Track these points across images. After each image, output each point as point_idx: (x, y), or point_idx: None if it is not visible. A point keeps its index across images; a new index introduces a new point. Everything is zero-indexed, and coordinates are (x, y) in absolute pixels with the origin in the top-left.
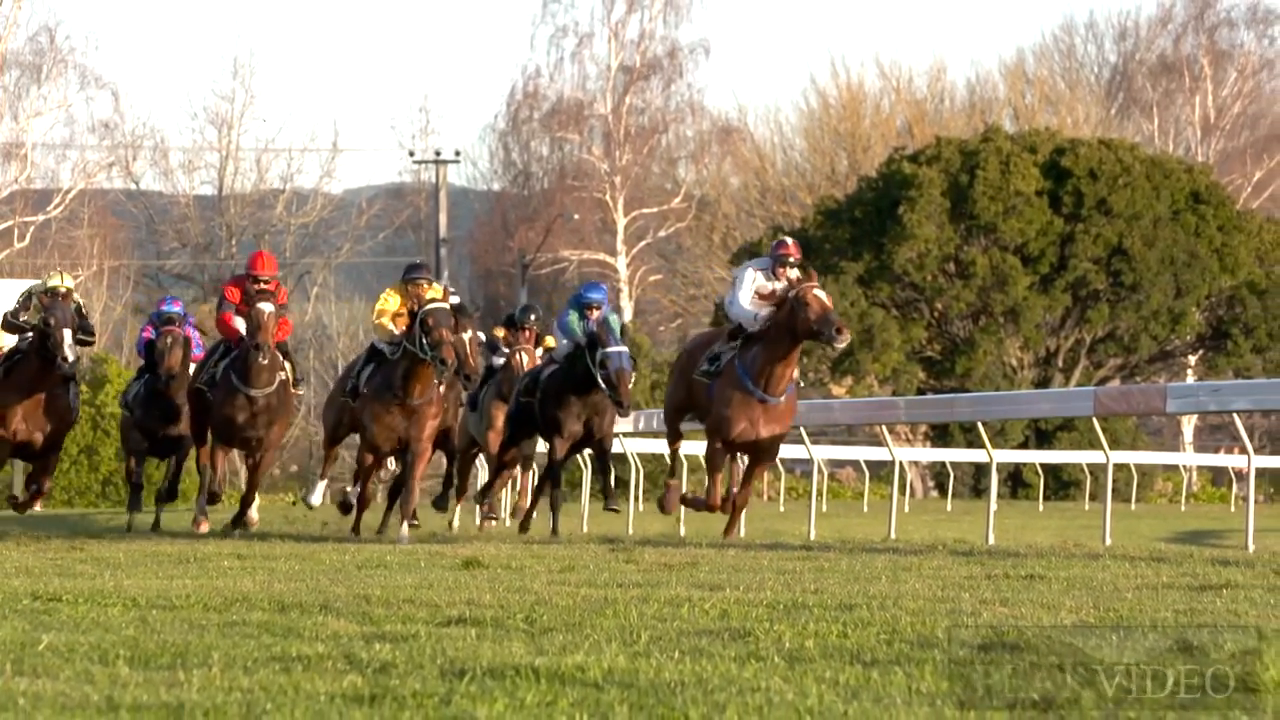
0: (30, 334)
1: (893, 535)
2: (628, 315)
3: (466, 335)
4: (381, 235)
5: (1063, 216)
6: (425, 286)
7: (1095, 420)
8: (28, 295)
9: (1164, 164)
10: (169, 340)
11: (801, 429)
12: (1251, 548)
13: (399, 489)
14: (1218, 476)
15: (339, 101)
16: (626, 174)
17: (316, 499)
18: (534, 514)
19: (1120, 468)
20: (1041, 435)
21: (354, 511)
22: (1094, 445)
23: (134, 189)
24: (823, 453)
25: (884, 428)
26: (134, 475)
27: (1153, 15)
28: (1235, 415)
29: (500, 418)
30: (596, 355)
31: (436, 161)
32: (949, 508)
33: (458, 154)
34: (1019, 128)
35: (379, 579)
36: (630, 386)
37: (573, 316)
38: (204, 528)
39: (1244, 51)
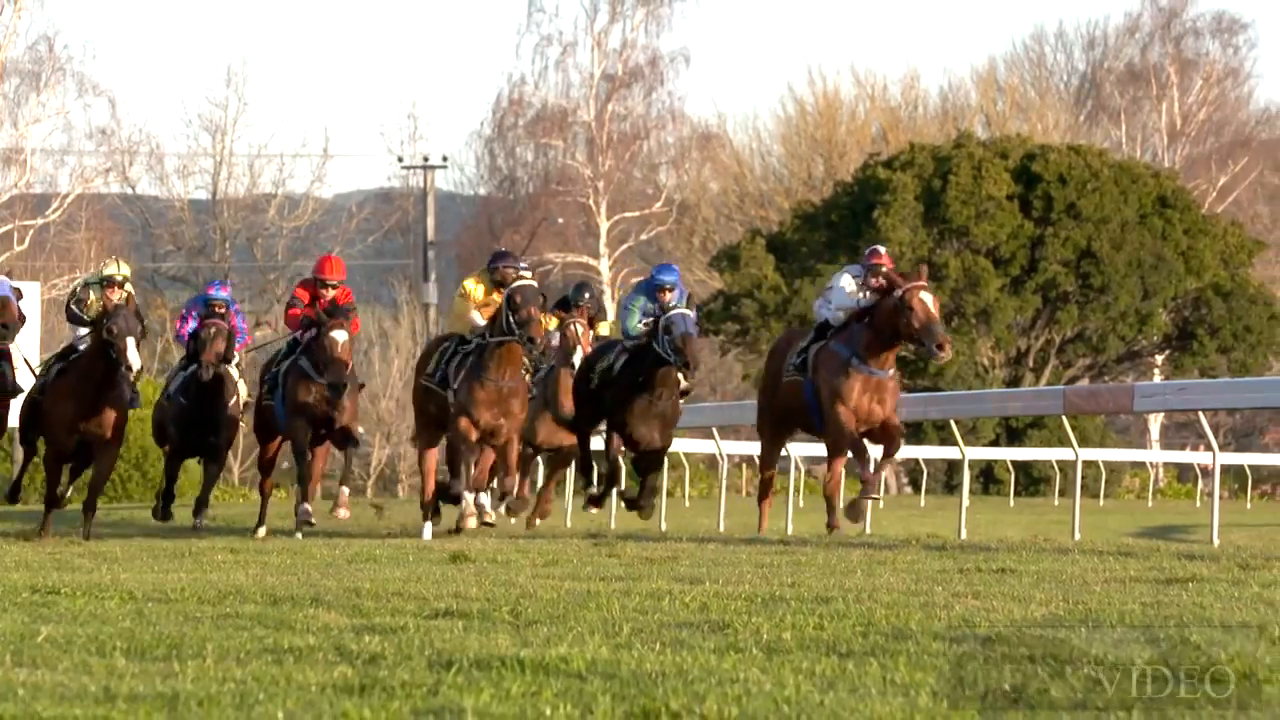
0: (89, 331)
1: (868, 530)
2: (610, 316)
3: (551, 323)
4: (371, 238)
5: (1033, 220)
6: (512, 275)
7: (1065, 418)
8: (84, 285)
9: (1131, 169)
10: (212, 330)
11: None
12: (1216, 542)
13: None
14: (1183, 473)
15: (330, 108)
16: (609, 179)
17: (428, 533)
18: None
19: (1089, 464)
20: (1012, 433)
21: (463, 502)
22: (1063, 443)
23: (130, 194)
24: (800, 450)
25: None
26: (168, 476)
27: (1120, 25)
28: (1200, 414)
29: (569, 392)
30: (660, 320)
31: (424, 167)
32: (922, 503)
33: (445, 159)
34: (990, 134)
35: (369, 573)
36: (697, 351)
37: (638, 302)
38: (344, 512)
39: (1209, 60)
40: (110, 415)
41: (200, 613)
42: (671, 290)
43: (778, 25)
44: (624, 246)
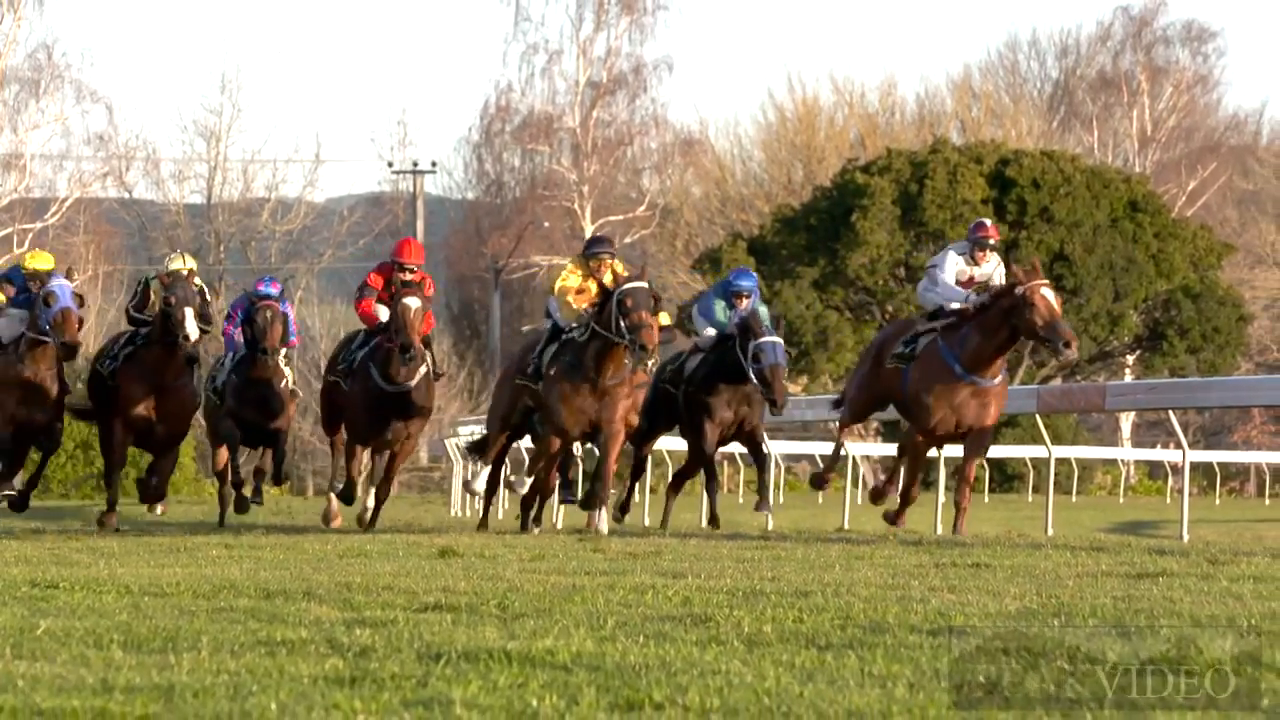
0: (152, 322)
1: (846, 526)
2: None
3: (661, 319)
4: (361, 242)
5: (1007, 224)
6: (609, 262)
7: (1038, 417)
8: (144, 283)
9: (1103, 174)
10: (269, 314)
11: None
12: (1186, 538)
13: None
14: (1154, 470)
15: (321, 115)
16: (594, 184)
17: (481, 484)
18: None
19: (1062, 462)
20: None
21: (530, 502)
22: (1037, 440)
23: (127, 198)
24: (780, 448)
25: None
26: (232, 473)
27: (1093, 33)
28: (1170, 412)
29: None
30: (749, 347)
31: (414, 172)
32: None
33: (434, 165)
34: (966, 140)
35: (359, 567)
36: (784, 382)
37: (718, 304)
38: (337, 522)
39: (1179, 68)
40: (176, 405)
41: (195, 606)
42: (748, 296)
43: (758, 34)
44: None
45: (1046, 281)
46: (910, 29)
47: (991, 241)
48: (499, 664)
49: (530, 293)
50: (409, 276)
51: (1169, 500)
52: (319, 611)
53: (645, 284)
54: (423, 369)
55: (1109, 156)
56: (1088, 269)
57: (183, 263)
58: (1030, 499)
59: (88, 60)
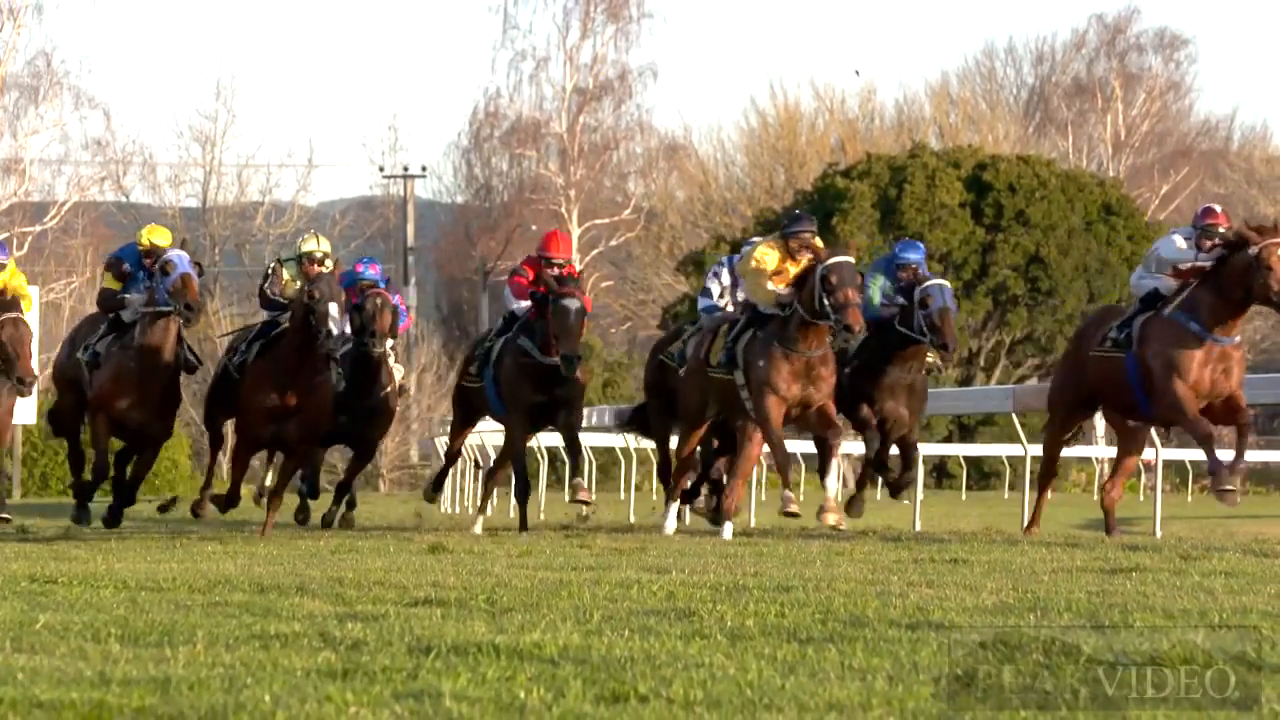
0: (288, 309)
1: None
2: None
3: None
4: (353, 245)
5: (984, 227)
6: (811, 241)
7: (1015, 416)
8: (279, 263)
9: (1078, 178)
10: (379, 301)
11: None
12: (1159, 534)
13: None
14: None
15: (314, 121)
16: (580, 188)
17: (671, 525)
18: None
19: (1038, 459)
20: (965, 429)
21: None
22: (1013, 439)
23: (124, 201)
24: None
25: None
26: (306, 474)
27: (1068, 41)
28: None
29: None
30: (914, 293)
31: (404, 176)
32: (879, 497)
33: (424, 169)
34: (944, 145)
35: (351, 563)
36: (954, 327)
37: (877, 284)
38: (480, 526)
39: (1152, 74)
40: (314, 403)
41: (191, 601)
42: (915, 270)
43: (741, 41)
44: (595, 252)
45: None
46: (889, 36)
47: (1221, 229)
48: (488, 657)
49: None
50: (556, 272)
51: (1142, 498)
52: (312, 606)
53: (850, 259)
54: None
55: (1084, 161)
56: (1063, 271)
57: (316, 244)
58: (1006, 496)
59: (86, 67)
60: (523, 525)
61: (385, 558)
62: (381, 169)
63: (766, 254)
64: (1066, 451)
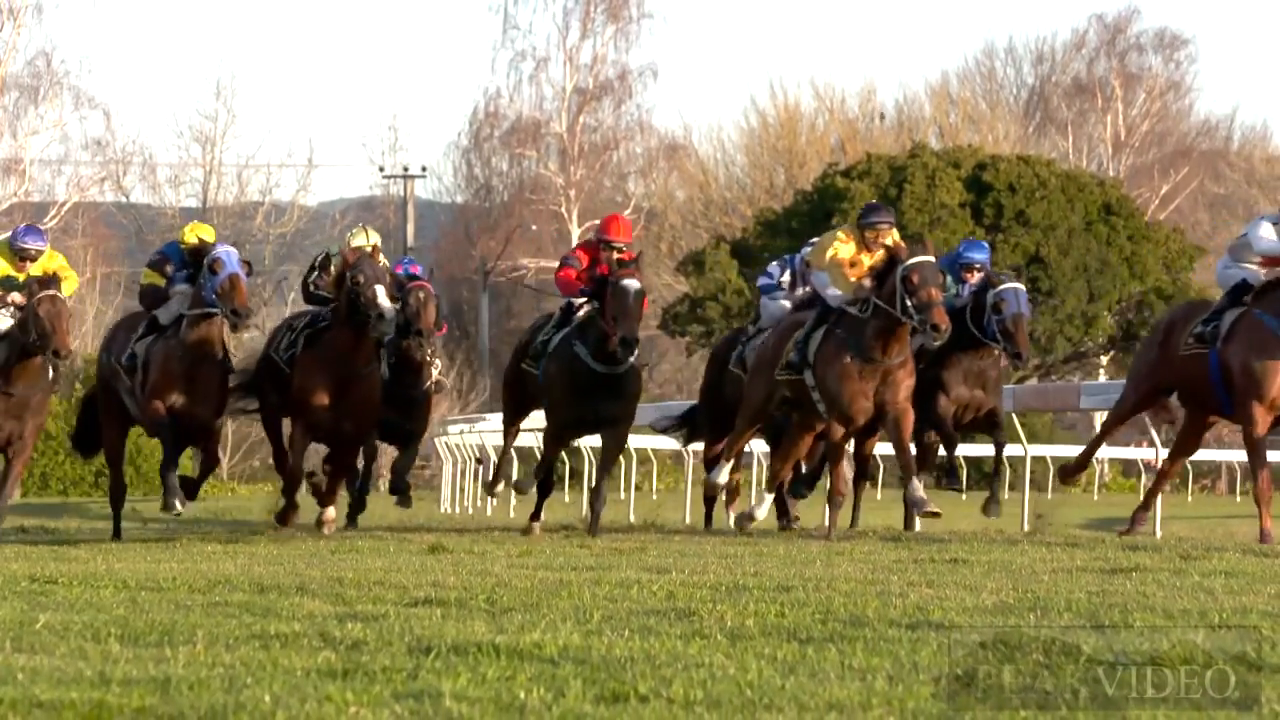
0: (333, 303)
1: (826, 522)
2: None
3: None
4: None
5: (984, 227)
6: (887, 231)
7: (1014, 416)
8: (324, 257)
9: (1078, 178)
10: (422, 295)
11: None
12: (1159, 534)
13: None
14: (1128, 468)
15: (314, 121)
16: (580, 188)
17: (723, 476)
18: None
19: (1037, 460)
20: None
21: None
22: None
23: (124, 202)
24: (761, 446)
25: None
26: (361, 472)
27: (1067, 41)
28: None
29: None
30: (987, 297)
31: (404, 176)
32: (879, 497)
33: (424, 169)
34: (944, 145)
35: (351, 562)
36: (1027, 334)
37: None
38: (538, 531)
39: (1152, 74)
40: (364, 395)
41: (191, 601)
42: (979, 270)
43: (741, 41)
44: None
45: None
46: (889, 36)
47: None
48: (487, 657)
49: (518, 295)
50: (616, 256)
51: (1142, 497)
52: (312, 606)
53: (931, 258)
54: (632, 357)
55: (1084, 161)
56: (1063, 271)
57: (366, 238)
58: (1006, 495)
59: (86, 67)
60: (535, 515)
61: (385, 558)
62: (381, 169)
63: (841, 245)
64: (1067, 451)
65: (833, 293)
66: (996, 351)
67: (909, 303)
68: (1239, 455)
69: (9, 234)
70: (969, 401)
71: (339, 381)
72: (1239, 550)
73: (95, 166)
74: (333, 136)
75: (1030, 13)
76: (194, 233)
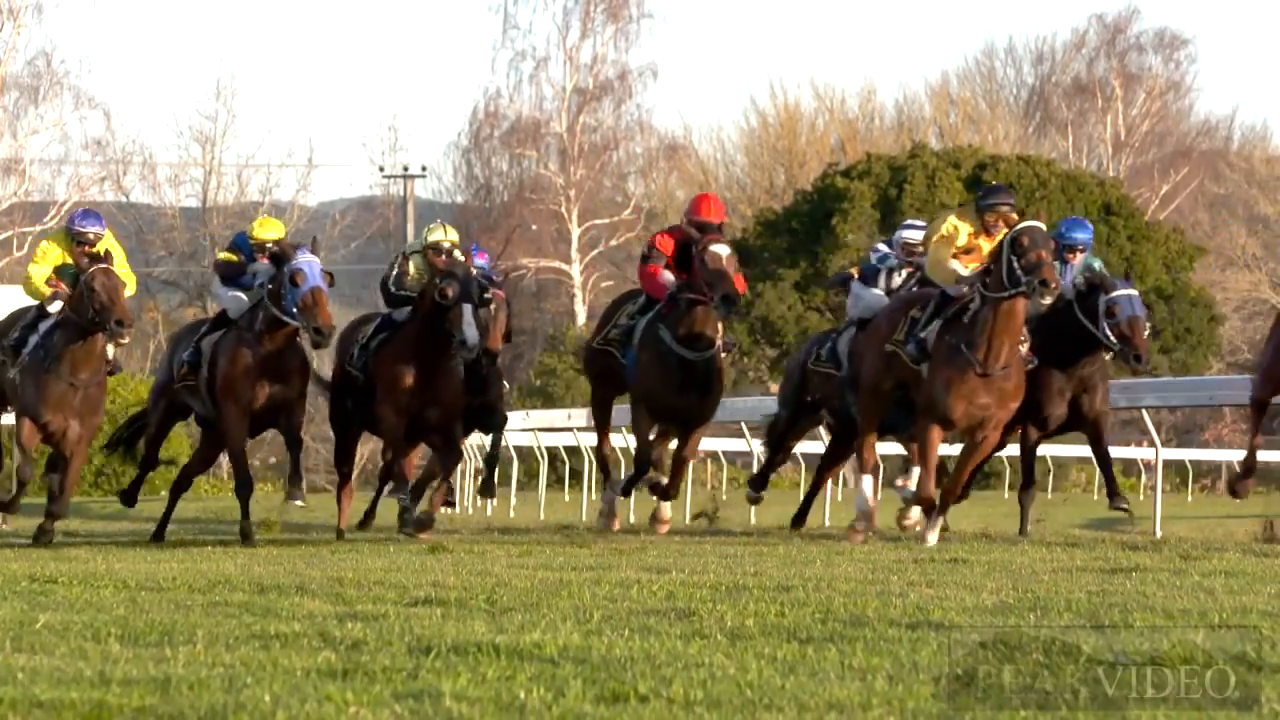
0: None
1: (827, 523)
2: (581, 318)
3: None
4: (353, 244)
5: None
6: (1010, 215)
7: None
8: (404, 256)
9: (1078, 178)
10: (492, 307)
11: (743, 423)
12: (1159, 534)
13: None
14: (1128, 468)
15: (314, 121)
16: (580, 188)
17: (867, 489)
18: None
19: (1038, 460)
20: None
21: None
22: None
23: (124, 201)
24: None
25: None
26: (395, 466)
27: (1067, 40)
28: (1144, 411)
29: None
30: (1099, 303)
31: (404, 176)
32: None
33: (424, 169)
34: (943, 145)
35: (351, 562)
36: (1145, 337)
37: None
38: (616, 525)
39: (1152, 74)
40: (449, 386)
41: (191, 601)
42: (1082, 251)
43: (741, 41)
44: (595, 252)
45: None
46: (889, 36)
47: None
48: (487, 657)
49: (518, 294)
50: (714, 236)
51: (1142, 497)
52: (312, 606)
53: (1040, 224)
54: (717, 339)
55: (1084, 161)
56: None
57: (444, 234)
58: (1006, 496)
59: (86, 67)
60: (664, 495)
61: (385, 558)
62: (381, 169)
63: (958, 225)
64: (1067, 451)
65: (936, 279)
66: (1106, 356)
67: (1017, 265)
68: (1240, 455)
69: (66, 222)
70: (1065, 417)
71: (422, 375)
72: (1239, 550)
73: (95, 166)
74: (333, 136)
75: (1030, 13)
76: (261, 230)
